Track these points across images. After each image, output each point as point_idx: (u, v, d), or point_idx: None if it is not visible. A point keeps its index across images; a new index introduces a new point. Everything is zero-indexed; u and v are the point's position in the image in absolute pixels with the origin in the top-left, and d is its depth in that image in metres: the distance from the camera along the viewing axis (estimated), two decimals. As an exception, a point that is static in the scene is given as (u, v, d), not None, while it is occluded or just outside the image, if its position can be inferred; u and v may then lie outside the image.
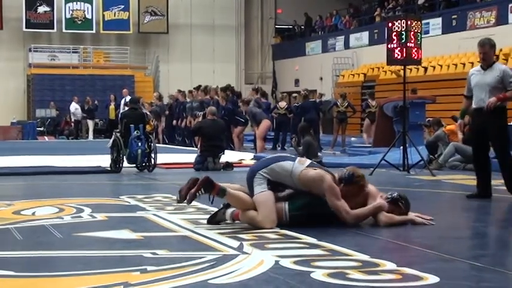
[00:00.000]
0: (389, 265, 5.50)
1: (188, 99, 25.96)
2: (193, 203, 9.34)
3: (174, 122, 26.53)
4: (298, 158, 7.56)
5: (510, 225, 8.41)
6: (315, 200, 7.33)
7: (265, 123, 20.64)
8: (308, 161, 7.45)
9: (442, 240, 6.84)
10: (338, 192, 7.20)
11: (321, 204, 7.30)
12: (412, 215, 7.54)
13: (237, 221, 7.42)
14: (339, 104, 23.94)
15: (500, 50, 25.92)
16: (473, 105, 10.00)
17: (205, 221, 7.59)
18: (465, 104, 10.29)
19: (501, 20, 26.54)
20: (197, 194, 7.39)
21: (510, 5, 26.19)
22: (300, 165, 7.31)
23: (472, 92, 10.02)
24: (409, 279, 5.09)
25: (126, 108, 18.38)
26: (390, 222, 7.34)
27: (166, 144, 25.98)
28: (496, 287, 4.97)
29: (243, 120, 21.66)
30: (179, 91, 27.85)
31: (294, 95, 25.26)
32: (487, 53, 9.87)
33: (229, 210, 7.48)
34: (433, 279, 5.04)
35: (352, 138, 26.14)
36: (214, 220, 7.55)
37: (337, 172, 7.46)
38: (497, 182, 12.66)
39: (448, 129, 17.19)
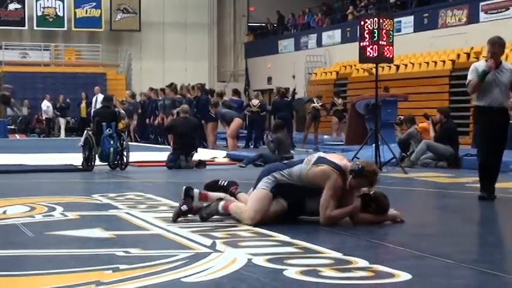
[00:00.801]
0: (362, 262, 5.52)
1: (160, 97, 25.90)
2: (166, 201, 9.38)
3: (147, 120, 26.48)
4: (306, 158, 7.59)
5: (481, 223, 8.47)
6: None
7: (236, 121, 20.65)
8: (314, 159, 7.47)
9: (414, 237, 6.88)
10: (335, 193, 7.24)
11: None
12: (390, 212, 7.55)
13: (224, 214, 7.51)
14: (314, 101, 24.12)
15: (472, 48, 26.12)
16: (482, 103, 9.58)
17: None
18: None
19: (472, 19, 26.71)
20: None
21: (481, 4, 26.36)
22: (306, 166, 7.38)
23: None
24: (382, 277, 5.11)
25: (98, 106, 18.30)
26: (362, 222, 7.37)
27: (138, 142, 25.91)
28: (467, 284, 5.00)
29: (214, 115, 21.58)
30: (151, 89, 27.78)
31: (255, 93, 25.48)
32: (496, 53, 9.59)
33: (222, 202, 7.54)
34: (405, 276, 5.07)
35: (325, 136, 26.21)
36: (205, 212, 7.54)
37: (351, 162, 7.51)
38: (468, 179, 12.77)
39: (421, 127, 17.29)
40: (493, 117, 9.60)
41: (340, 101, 24.41)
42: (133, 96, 28.53)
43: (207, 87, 25.81)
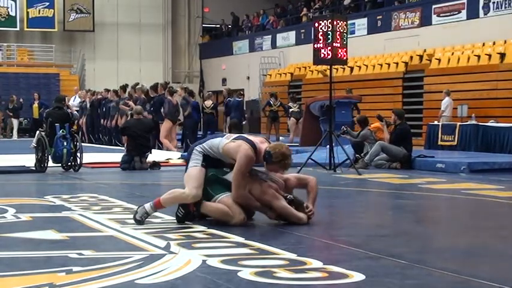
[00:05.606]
0: (316, 263, 5.54)
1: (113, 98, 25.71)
2: (120, 202, 9.33)
3: (102, 121, 26.29)
4: (227, 134, 7.70)
5: (434, 223, 8.55)
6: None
7: (166, 123, 20.69)
8: (234, 136, 7.62)
9: (368, 238, 6.93)
10: (245, 164, 7.31)
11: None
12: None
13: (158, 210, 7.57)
14: (272, 103, 24.32)
15: (424, 50, 26.37)
16: None
17: (131, 221, 7.52)
18: None
19: (425, 21, 26.98)
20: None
21: (434, 7, 26.64)
22: (225, 140, 7.52)
23: None
24: (336, 277, 5.13)
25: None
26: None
27: (91, 143, 25.73)
28: (420, 284, 5.05)
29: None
30: (107, 90, 27.56)
31: (208, 94, 25.69)
32: None
33: (147, 204, 7.51)
34: (358, 276, 5.10)
35: (281, 138, 26.30)
36: (138, 215, 7.51)
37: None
38: (421, 180, 12.90)
39: (374, 127, 17.41)
40: None
41: (295, 104, 24.71)
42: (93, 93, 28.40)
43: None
